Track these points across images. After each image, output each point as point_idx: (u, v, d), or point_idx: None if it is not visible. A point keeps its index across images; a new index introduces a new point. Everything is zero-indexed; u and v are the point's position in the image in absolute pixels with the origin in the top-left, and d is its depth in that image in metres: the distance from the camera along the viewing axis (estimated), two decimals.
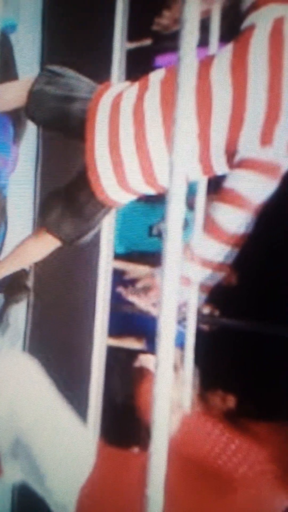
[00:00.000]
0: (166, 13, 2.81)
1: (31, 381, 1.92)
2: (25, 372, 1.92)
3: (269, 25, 1.81)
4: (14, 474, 1.99)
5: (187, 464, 1.75)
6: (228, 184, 1.89)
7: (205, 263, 1.93)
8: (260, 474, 1.70)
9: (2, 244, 2.67)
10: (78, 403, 2.04)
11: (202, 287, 2.02)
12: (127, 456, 1.93)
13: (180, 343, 2.22)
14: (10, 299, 2.63)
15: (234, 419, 1.89)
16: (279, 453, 1.71)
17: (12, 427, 1.87)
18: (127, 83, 2.10)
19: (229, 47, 1.88)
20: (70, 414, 1.92)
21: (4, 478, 2.02)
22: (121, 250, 2.98)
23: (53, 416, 1.90)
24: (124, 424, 2.21)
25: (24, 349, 2.81)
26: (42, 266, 2.45)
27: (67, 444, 1.89)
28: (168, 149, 1.80)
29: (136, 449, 2.00)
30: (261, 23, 1.83)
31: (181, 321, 2.24)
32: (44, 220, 2.24)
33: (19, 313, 2.76)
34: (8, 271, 2.47)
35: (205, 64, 1.88)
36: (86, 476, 1.85)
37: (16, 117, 2.52)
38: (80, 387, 2.27)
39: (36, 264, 2.46)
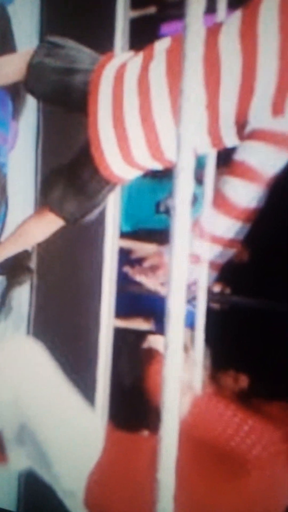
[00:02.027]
0: None
1: (36, 365, 1.90)
2: (30, 356, 1.90)
3: None
4: (20, 461, 1.99)
5: (198, 446, 1.72)
6: (238, 156, 1.83)
7: (215, 239, 1.89)
8: (275, 455, 1.68)
9: (3, 224, 2.65)
10: (85, 387, 2.03)
11: (212, 264, 1.99)
12: (137, 440, 1.91)
13: (190, 323, 2.20)
14: (13, 282, 2.63)
15: (246, 399, 1.87)
16: None
17: (17, 412, 1.85)
18: (131, 53, 2.04)
19: (238, 14, 1.82)
20: (77, 398, 1.90)
21: (10, 465, 2.01)
22: (127, 228, 2.96)
23: (59, 401, 1.89)
24: (133, 407, 2.20)
25: (28, 332, 2.80)
26: (45, 247, 2.44)
27: (75, 429, 1.88)
28: (175, 121, 1.80)
29: (145, 433, 2.00)
30: None
31: (191, 300, 2.22)
32: (46, 198, 2.21)
33: (22, 296, 2.75)
34: (10, 252, 2.46)
35: (213, 32, 1.82)
36: (95, 461, 1.83)
37: (15, 92, 2.51)
38: (87, 370, 2.26)
39: (39, 244, 2.43)
